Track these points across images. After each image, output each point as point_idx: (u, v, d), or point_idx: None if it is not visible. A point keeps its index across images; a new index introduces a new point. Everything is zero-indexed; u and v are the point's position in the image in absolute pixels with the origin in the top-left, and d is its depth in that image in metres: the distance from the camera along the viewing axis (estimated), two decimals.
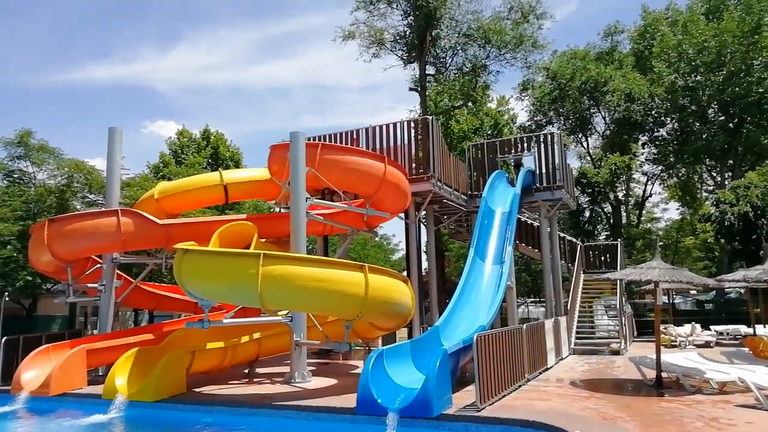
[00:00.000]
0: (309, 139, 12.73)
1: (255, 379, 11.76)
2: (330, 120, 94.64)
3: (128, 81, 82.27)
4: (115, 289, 13.43)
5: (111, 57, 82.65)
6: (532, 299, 40.07)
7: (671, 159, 35.12)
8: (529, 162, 18.13)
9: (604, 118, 36.41)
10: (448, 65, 31.94)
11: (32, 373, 10.80)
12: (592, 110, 36.34)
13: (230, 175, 15.55)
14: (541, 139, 18.46)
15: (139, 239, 12.66)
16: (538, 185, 17.77)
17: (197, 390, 10.28)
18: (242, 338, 11.84)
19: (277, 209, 16.58)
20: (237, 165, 36.68)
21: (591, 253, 23.13)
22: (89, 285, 13.36)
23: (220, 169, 23.40)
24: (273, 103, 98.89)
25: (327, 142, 13.57)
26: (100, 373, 12.10)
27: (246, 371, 12.34)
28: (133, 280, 14.84)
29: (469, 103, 34.27)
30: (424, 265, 20.55)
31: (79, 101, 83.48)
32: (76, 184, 25.40)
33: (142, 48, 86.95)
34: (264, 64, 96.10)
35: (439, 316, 11.81)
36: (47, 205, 24.33)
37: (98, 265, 13.58)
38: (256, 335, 12.09)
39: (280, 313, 10.95)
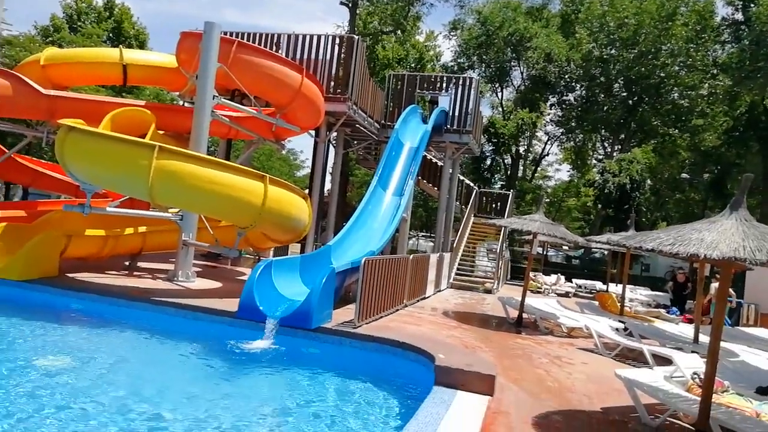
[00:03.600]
0: (225, 34, 11.91)
1: (136, 273, 11.44)
2: (253, 18, 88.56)
3: None
4: None
5: None
6: (424, 234, 41.92)
7: (573, 124, 37.31)
8: (444, 102, 18.38)
9: (521, 72, 37.49)
10: None
11: None
12: (512, 63, 37.20)
13: (132, 55, 14.20)
14: (460, 82, 18.69)
15: (17, 107, 11.36)
16: (448, 126, 18.16)
17: (71, 275, 9.83)
18: (126, 229, 11.34)
19: (181, 102, 15.57)
20: (141, 46, 33.64)
21: (484, 198, 24.44)
22: None
23: (121, 46, 21.33)
24: None
25: (244, 41, 12.76)
26: None
27: (127, 263, 11.94)
28: (6, 150, 13.47)
29: (398, 32, 33.63)
30: (328, 186, 20.59)
31: None
32: None
33: None
34: None
35: (334, 237, 12.07)
36: None
37: None
38: (142, 228, 11.63)
39: (170, 210, 10.58)
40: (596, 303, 14.35)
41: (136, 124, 10.62)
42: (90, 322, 8.15)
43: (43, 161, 16.27)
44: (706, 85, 33.33)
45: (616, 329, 10.32)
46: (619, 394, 6.54)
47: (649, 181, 32.28)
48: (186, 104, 15.17)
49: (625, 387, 6.07)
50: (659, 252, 5.11)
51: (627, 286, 13.71)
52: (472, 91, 18.38)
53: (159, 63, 13.76)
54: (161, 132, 11.61)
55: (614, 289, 18.54)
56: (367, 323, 8.52)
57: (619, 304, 12.94)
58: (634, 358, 9.17)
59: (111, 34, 33.04)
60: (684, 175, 35.29)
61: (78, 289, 9.02)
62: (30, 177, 14.89)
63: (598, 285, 22.40)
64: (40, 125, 13.05)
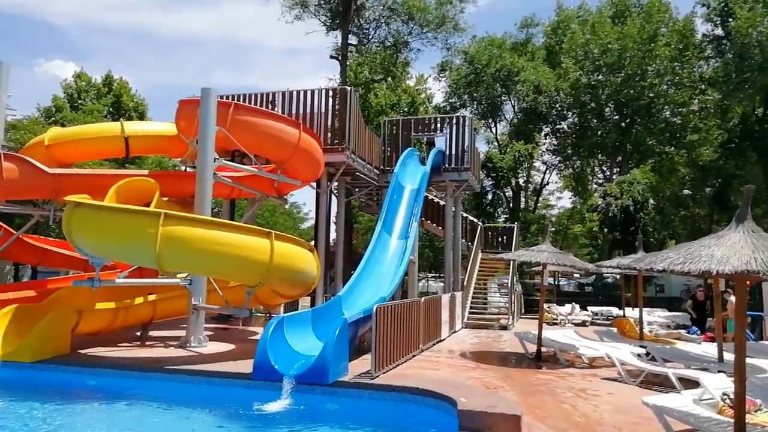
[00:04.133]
0: (222, 98, 12.24)
1: (148, 343, 11.36)
2: (246, 80, 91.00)
3: (20, 11, 73.87)
4: None
5: None
6: (433, 274, 41.66)
7: (569, 151, 37.63)
8: (440, 142, 18.66)
9: (513, 106, 38.11)
10: (370, 37, 31.81)
11: None
12: (503, 98, 37.88)
13: (133, 127, 14.59)
14: (454, 121, 19.01)
15: (24, 188, 11.62)
16: (446, 166, 18.35)
17: (83, 351, 9.77)
18: (136, 299, 11.34)
19: (183, 168, 15.85)
20: (141, 117, 34.50)
21: (490, 233, 24.40)
22: None
23: (122, 119, 21.88)
24: (184, 55, 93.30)
25: (240, 103, 13.10)
26: None
27: (138, 334, 11.88)
28: (14, 232, 13.64)
29: (389, 78, 34.44)
30: (333, 235, 20.67)
31: None
32: None
33: None
34: (176, 10, 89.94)
35: (343, 287, 12.02)
36: None
37: None
38: (152, 297, 11.64)
39: (179, 275, 10.61)
40: (614, 329, 14.11)
41: (140, 194, 10.79)
42: (105, 397, 8.04)
43: (51, 239, 16.46)
44: (696, 100, 33.74)
45: (638, 355, 10.12)
46: (649, 423, 6.35)
47: (651, 201, 32.29)
48: (188, 169, 15.44)
49: (654, 414, 5.91)
50: (671, 272, 5.09)
51: (643, 309, 13.52)
52: (467, 129, 18.66)
53: (159, 132, 14.10)
54: (165, 198, 11.77)
55: (631, 313, 18.26)
56: (384, 372, 8.39)
57: (638, 329, 12.73)
58: (660, 383, 8.94)
59: (111, 108, 33.96)
60: (686, 192, 35.26)
61: (91, 364, 8.95)
62: (38, 256, 15.03)
63: (614, 310, 22.06)
64: (46, 204, 13.27)
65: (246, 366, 8.28)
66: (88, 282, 9.05)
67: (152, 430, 6.94)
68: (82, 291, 10.26)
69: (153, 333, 12.40)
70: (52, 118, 29.10)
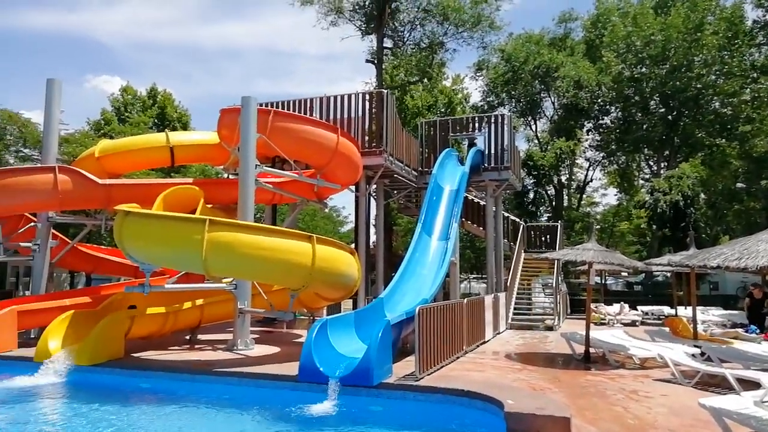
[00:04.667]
0: (261, 105, 12.48)
1: (196, 346, 11.67)
2: (285, 87, 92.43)
3: (71, 31, 77.37)
4: (51, 250, 12.90)
5: (52, 4, 77.20)
6: (475, 275, 41.23)
7: (613, 146, 36.57)
8: (479, 142, 18.48)
9: (553, 102, 37.37)
10: (405, 40, 31.81)
11: None
12: (542, 94, 37.20)
13: (178, 137, 15.06)
14: (492, 120, 18.80)
15: (78, 198, 12.15)
16: (486, 165, 18.15)
17: (136, 355, 10.11)
18: (184, 304, 11.68)
19: (226, 175, 16.23)
20: (185, 127, 35.51)
21: (532, 233, 23.98)
22: (22, 244, 12.77)
23: (166, 130, 22.60)
24: (225, 66, 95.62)
25: (280, 110, 13.32)
26: (32, 336, 11.69)
27: (187, 337, 12.22)
28: (69, 241, 14.27)
29: (425, 80, 34.35)
30: (373, 238, 20.74)
31: (16, 50, 77.79)
32: (9, 136, 23.98)
33: None
34: (217, 23, 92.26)
35: (384, 289, 12.04)
36: None
37: (32, 224, 12.97)
38: (199, 301, 11.95)
39: (224, 280, 10.85)
40: (667, 329, 13.60)
41: (185, 201, 11.10)
42: (157, 399, 8.30)
43: (103, 247, 17.13)
44: (748, 90, 32.25)
45: (693, 355, 9.71)
46: (706, 426, 6.09)
47: (702, 195, 31.06)
48: (230, 176, 15.80)
49: (712, 417, 5.66)
50: (726, 268, 4.88)
51: (697, 307, 12.99)
52: (506, 127, 18.42)
53: (202, 141, 14.50)
54: (210, 205, 12.07)
55: (683, 312, 17.57)
56: (428, 374, 8.34)
57: (691, 328, 12.24)
58: (717, 384, 8.56)
59: (156, 120, 35.10)
60: (739, 185, 33.72)
61: (144, 367, 9.26)
62: (92, 264, 15.68)
63: (666, 310, 21.27)
64: (98, 213, 13.81)
65: (292, 368, 8.39)
66: (139, 288, 9.38)
67: (203, 431, 7.10)
68: (134, 296, 10.63)
69: (201, 336, 12.73)
70: (101, 131, 30.29)
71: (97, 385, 8.87)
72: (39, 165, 12.55)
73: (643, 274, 32.21)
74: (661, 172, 33.51)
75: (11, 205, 11.94)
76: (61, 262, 14.30)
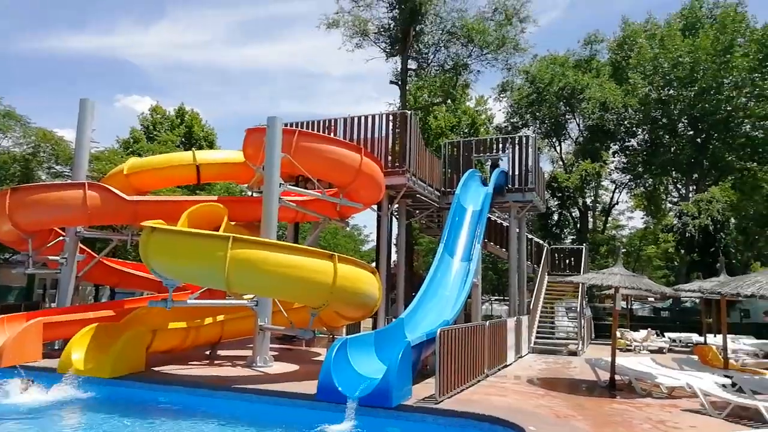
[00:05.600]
0: (286, 125, 12.64)
1: (216, 362, 11.69)
2: (311, 107, 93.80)
3: (104, 53, 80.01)
4: (77, 263, 13.15)
5: (88, 27, 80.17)
6: (497, 297, 40.71)
7: (639, 169, 36.01)
8: (503, 163, 18.39)
9: (578, 124, 37.07)
10: (429, 61, 31.99)
11: None
12: (567, 116, 36.94)
13: (204, 155, 15.33)
14: (516, 141, 18.71)
15: (106, 214, 12.41)
16: (510, 186, 18.02)
17: (156, 369, 10.17)
18: (205, 320, 11.75)
19: (250, 193, 16.42)
20: (211, 146, 36.14)
21: (556, 255, 23.62)
22: (50, 257, 13.05)
23: (193, 148, 23.04)
24: (252, 87, 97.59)
25: (304, 129, 13.48)
26: (56, 347, 11.86)
27: (207, 353, 12.26)
28: (96, 255, 14.54)
29: (448, 101, 34.44)
30: (394, 257, 20.69)
31: (51, 70, 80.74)
32: (42, 153, 24.71)
33: (121, 21, 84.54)
34: (245, 46, 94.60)
35: (405, 309, 11.94)
36: (10, 173, 23.62)
37: (61, 238, 13.26)
38: (220, 317, 12.01)
39: (245, 296, 10.90)
40: (695, 357, 13.19)
41: (210, 218, 11.23)
42: (176, 413, 8.31)
43: (128, 261, 17.39)
44: None
45: (723, 385, 9.37)
46: None
47: (733, 220, 30.26)
48: (254, 194, 15.97)
49: None
50: (761, 297, 4.70)
51: (728, 335, 12.57)
52: (530, 149, 18.31)
53: (228, 159, 14.72)
54: (233, 223, 12.20)
55: (712, 340, 17.03)
56: (448, 397, 8.20)
57: (721, 357, 11.83)
58: (750, 417, 8.21)
59: (183, 138, 35.81)
60: None
61: (163, 382, 9.30)
62: (117, 278, 15.93)
63: (694, 337, 20.64)
64: (124, 228, 14.06)
65: (310, 387, 8.33)
66: (162, 303, 9.47)
67: None
68: (157, 311, 10.72)
69: (221, 352, 12.76)
70: (130, 149, 30.98)
71: (117, 398, 8.93)
72: (70, 181, 12.86)
73: (671, 300, 31.40)
74: (690, 195, 32.82)
75: (42, 220, 12.24)
76: (87, 276, 14.56)
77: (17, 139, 25.19)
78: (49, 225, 12.80)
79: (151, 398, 8.89)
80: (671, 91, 32.74)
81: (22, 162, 24.06)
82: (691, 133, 33.67)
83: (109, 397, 8.96)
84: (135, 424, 7.77)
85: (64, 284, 12.80)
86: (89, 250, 14.83)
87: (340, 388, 7.86)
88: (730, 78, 30.95)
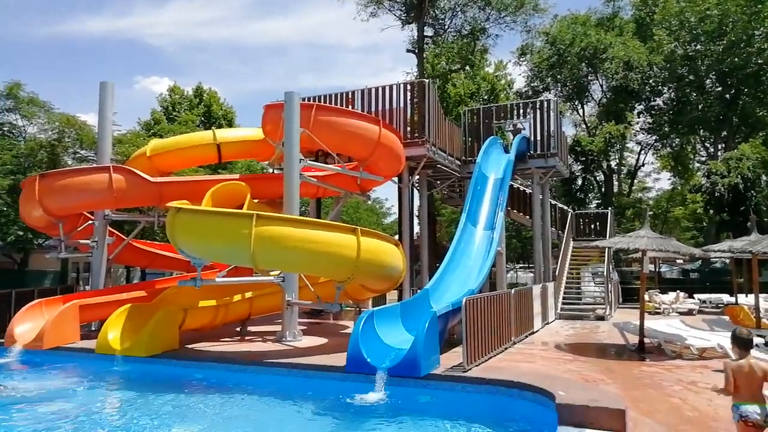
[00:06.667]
0: (304, 100, 12.58)
1: (247, 338, 11.96)
2: (329, 80, 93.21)
3: (121, 35, 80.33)
4: (108, 246, 13.46)
5: (104, 10, 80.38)
6: (522, 265, 40.59)
7: (666, 129, 35.06)
8: (524, 129, 18.08)
9: (601, 85, 36.10)
10: (446, 27, 31.39)
11: (25, 326, 10.90)
12: (589, 77, 35.98)
13: (224, 134, 15.41)
14: (537, 106, 18.35)
15: (132, 196, 12.62)
16: (532, 152, 17.75)
17: (189, 346, 10.45)
18: (234, 297, 11.98)
19: (271, 170, 16.50)
20: (230, 124, 36.27)
21: (581, 220, 23.34)
22: (81, 241, 13.37)
23: (213, 127, 23.15)
24: (269, 62, 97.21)
25: (322, 103, 13.41)
26: (93, 328, 12.24)
27: (238, 329, 12.53)
28: (125, 237, 14.86)
29: (467, 67, 33.83)
30: (416, 229, 20.69)
31: (70, 54, 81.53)
32: (67, 139, 25.14)
33: (136, 2, 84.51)
34: (261, 21, 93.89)
35: (430, 280, 11.98)
36: (38, 160, 24.13)
37: (90, 222, 13.56)
38: (248, 294, 12.23)
39: (272, 273, 11.05)
40: (726, 318, 13.03)
41: (233, 196, 11.35)
42: (211, 388, 8.54)
43: (156, 242, 17.73)
44: None
45: (756, 345, 9.25)
46: None
47: (764, 177, 29.38)
48: (275, 171, 16.05)
49: None
50: None
51: (760, 295, 12.34)
52: (552, 113, 17.94)
53: (248, 137, 14.78)
54: (256, 200, 12.30)
55: (744, 300, 16.74)
56: (476, 365, 8.26)
57: (753, 317, 11.65)
58: None
59: (203, 118, 36.00)
60: None
61: (198, 358, 9.57)
62: (146, 259, 16.28)
63: (725, 298, 20.32)
64: (150, 210, 14.29)
65: (339, 359, 8.48)
66: (192, 282, 9.66)
67: (256, 419, 7.27)
68: (187, 290, 10.97)
69: (251, 328, 13.03)
70: (152, 131, 31.31)
71: (153, 375, 9.22)
72: (95, 165, 13.07)
73: (700, 261, 30.87)
74: (719, 154, 31.91)
75: (70, 204, 12.51)
76: (118, 258, 14.90)
77: (42, 125, 25.66)
78: (77, 209, 13.07)
79: (186, 375, 9.15)
80: (698, 47, 31.55)
81: (48, 148, 24.54)
82: (720, 89, 32.53)
83: (146, 374, 9.25)
84: (174, 400, 8.01)
85: (96, 267, 13.14)
86: (118, 233, 15.16)
87: (368, 360, 7.97)
88: (762, 29, 29.64)
